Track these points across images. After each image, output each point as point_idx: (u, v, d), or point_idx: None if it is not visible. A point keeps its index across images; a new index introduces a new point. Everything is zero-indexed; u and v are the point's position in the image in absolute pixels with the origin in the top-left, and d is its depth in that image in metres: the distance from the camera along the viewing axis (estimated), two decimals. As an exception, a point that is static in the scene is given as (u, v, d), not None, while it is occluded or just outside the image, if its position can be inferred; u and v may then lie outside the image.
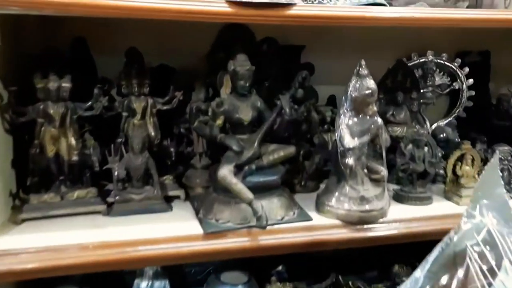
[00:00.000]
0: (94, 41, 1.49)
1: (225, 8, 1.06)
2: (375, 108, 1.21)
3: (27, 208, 1.17)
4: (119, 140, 1.28)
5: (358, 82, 1.19)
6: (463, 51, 1.81)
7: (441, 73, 1.77)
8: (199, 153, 1.38)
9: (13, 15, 1.26)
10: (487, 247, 0.85)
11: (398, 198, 1.36)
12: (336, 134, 1.22)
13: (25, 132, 1.24)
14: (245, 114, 1.24)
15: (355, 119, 1.21)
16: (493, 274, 0.84)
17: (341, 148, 1.20)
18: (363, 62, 1.19)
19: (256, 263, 1.35)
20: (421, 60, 1.73)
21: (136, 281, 1.21)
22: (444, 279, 0.87)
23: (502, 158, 1.37)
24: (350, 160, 1.19)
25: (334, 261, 1.50)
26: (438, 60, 1.73)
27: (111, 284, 1.29)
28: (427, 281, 0.88)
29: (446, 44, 1.78)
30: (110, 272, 1.13)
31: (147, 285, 1.21)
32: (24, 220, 1.16)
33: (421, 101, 1.70)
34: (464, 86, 1.75)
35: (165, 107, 1.32)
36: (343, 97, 1.22)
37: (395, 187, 1.41)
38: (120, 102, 1.29)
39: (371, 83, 1.18)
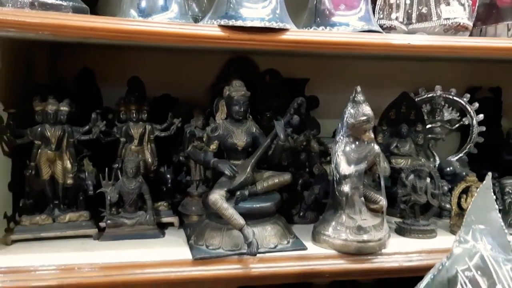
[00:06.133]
0: (102, 72, 1.55)
1: (217, 32, 1.07)
2: (372, 135, 1.19)
3: (18, 229, 1.17)
4: (116, 165, 1.29)
5: (354, 108, 1.17)
6: (473, 87, 1.78)
7: (450, 109, 1.74)
8: (196, 180, 1.37)
9: (27, 44, 1.32)
10: (479, 272, 0.80)
11: (400, 231, 1.30)
12: (332, 161, 1.19)
13: (25, 155, 1.24)
14: (240, 139, 1.23)
15: (352, 146, 1.19)
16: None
17: (337, 176, 1.18)
18: (358, 89, 1.17)
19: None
20: (429, 95, 1.71)
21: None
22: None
23: (510, 191, 1.30)
24: (346, 188, 1.16)
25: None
26: (447, 95, 1.71)
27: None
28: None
29: (456, 80, 1.76)
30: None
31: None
32: (14, 241, 1.16)
33: (430, 136, 1.68)
34: (474, 121, 1.71)
35: (163, 134, 1.33)
36: (339, 124, 1.20)
37: (399, 220, 1.35)
38: (119, 128, 1.31)
39: (367, 109, 1.16)
